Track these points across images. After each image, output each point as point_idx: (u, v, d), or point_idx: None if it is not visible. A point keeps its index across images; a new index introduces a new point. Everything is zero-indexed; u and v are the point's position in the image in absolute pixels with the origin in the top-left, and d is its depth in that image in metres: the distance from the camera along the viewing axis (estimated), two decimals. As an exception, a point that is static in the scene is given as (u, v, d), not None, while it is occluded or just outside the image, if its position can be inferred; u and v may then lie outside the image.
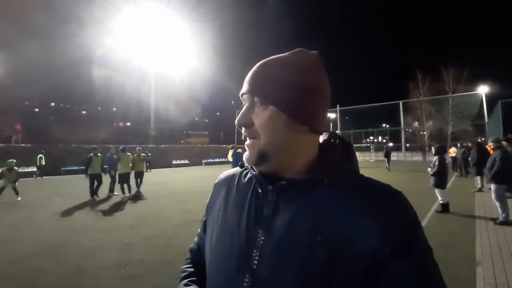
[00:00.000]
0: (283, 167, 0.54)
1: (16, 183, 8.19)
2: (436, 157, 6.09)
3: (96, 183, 8.46)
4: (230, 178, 0.67)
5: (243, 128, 0.56)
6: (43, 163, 15.02)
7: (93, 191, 8.37)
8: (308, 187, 0.52)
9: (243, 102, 0.57)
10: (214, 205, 0.65)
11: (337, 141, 0.58)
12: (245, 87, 0.55)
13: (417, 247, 0.46)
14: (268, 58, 0.57)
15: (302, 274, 0.46)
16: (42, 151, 15.45)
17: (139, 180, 9.18)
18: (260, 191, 0.56)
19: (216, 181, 0.71)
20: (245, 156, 0.56)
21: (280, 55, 0.57)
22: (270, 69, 0.54)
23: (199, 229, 0.75)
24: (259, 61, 0.57)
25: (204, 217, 0.71)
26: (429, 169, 6.28)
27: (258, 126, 0.53)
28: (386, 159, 17.63)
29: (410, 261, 0.45)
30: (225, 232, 0.57)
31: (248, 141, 0.55)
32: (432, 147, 6.65)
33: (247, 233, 0.53)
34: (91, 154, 8.53)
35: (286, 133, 0.52)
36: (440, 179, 5.91)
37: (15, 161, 8.43)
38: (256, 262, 0.50)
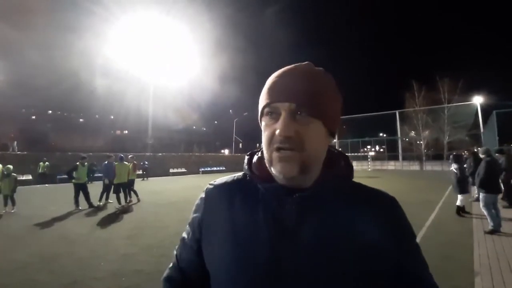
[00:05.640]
0: (307, 179, 0.54)
1: (14, 192, 7.74)
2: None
3: (81, 192, 8.13)
4: (227, 189, 0.62)
5: (277, 138, 0.51)
6: (40, 171, 15.83)
7: (77, 201, 8.05)
8: (326, 197, 0.54)
9: (271, 111, 0.53)
10: (212, 222, 0.60)
11: (337, 152, 0.62)
12: (286, 96, 0.51)
13: (415, 243, 0.57)
14: (300, 69, 0.55)
15: (339, 281, 0.49)
16: (44, 159, 16.31)
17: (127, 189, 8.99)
18: (275, 203, 0.55)
19: (207, 194, 0.64)
20: (283, 168, 0.51)
21: (307, 66, 0.56)
22: (315, 82, 0.53)
23: (180, 251, 0.66)
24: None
25: (192, 234, 0.63)
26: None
27: (304, 138, 0.50)
28: None
29: (418, 253, 0.56)
30: (243, 251, 0.53)
31: (285, 153, 0.50)
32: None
33: (272, 249, 0.51)
34: (78, 163, 8.29)
35: (324, 147, 0.55)
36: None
37: (11, 167, 7.91)
38: (289, 278, 0.49)
